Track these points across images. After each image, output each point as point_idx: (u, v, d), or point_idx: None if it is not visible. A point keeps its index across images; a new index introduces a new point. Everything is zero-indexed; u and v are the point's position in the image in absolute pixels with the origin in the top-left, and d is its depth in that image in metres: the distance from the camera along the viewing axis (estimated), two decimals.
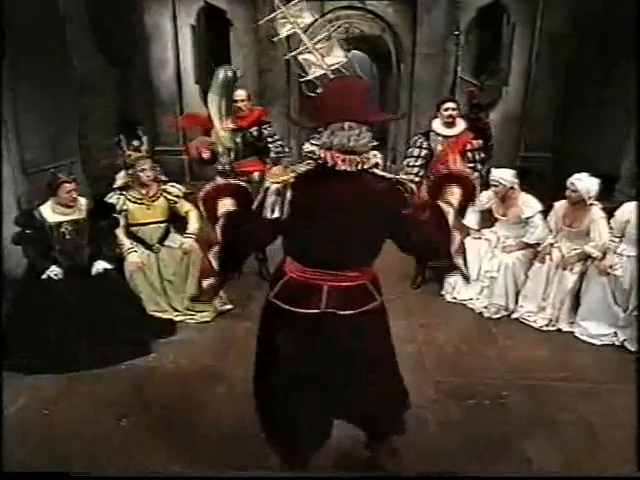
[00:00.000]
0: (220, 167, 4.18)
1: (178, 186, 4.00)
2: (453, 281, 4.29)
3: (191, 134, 5.12)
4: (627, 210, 3.61)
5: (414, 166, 4.23)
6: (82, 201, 3.51)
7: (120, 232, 3.74)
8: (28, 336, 3.26)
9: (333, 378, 1.99)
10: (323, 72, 5.82)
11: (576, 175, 3.73)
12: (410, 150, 4.36)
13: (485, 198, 4.14)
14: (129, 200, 3.81)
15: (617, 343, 3.64)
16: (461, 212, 2.10)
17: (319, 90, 5.18)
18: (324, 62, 5.76)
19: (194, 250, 3.84)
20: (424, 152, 4.23)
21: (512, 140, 7.65)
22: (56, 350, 3.24)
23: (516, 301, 4.05)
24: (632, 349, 3.54)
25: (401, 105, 7.82)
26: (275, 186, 1.82)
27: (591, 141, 6.51)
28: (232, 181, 2.26)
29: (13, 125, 4.35)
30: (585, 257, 3.78)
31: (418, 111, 7.30)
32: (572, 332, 3.80)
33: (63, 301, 3.32)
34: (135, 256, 3.73)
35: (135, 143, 3.71)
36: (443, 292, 4.38)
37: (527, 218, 4.02)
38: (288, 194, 1.81)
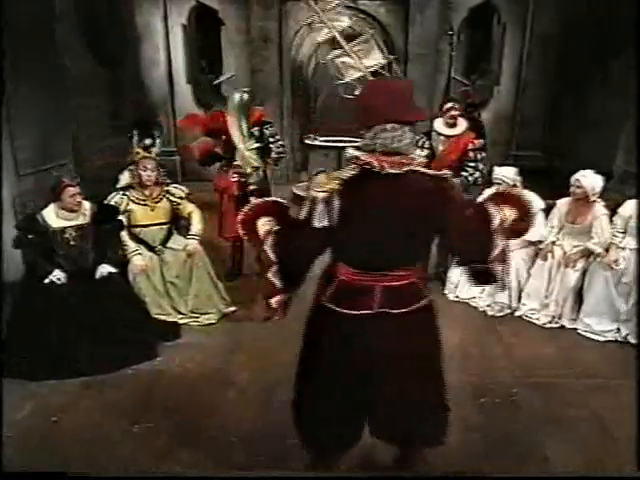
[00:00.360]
0: (252, 187, 4.19)
1: (181, 187, 3.96)
2: (455, 280, 4.30)
3: (190, 134, 5.06)
4: (630, 207, 3.73)
5: None
6: (86, 205, 3.42)
7: (125, 234, 3.68)
8: (30, 341, 3.18)
9: (380, 377, 1.96)
10: (361, 74, 5.79)
11: (581, 172, 3.80)
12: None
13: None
14: (132, 201, 3.76)
15: (620, 339, 3.69)
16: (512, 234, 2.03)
17: (357, 92, 5.15)
18: (362, 64, 5.72)
19: (198, 252, 3.80)
20: (426, 152, 4.21)
21: (504, 139, 7.75)
22: (60, 355, 3.17)
23: (519, 299, 4.07)
24: (635, 342, 3.59)
25: None
26: (322, 195, 1.80)
27: (584, 139, 6.58)
28: (267, 199, 2.22)
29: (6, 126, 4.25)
30: (587, 254, 3.83)
31: None
32: (575, 329, 3.84)
33: (66, 305, 3.25)
34: (139, 259, 3.68)
35: (147, 142, 3.65)
36: (446, 291, 4.37)
37: None
38: (336, 202, 1.79)
